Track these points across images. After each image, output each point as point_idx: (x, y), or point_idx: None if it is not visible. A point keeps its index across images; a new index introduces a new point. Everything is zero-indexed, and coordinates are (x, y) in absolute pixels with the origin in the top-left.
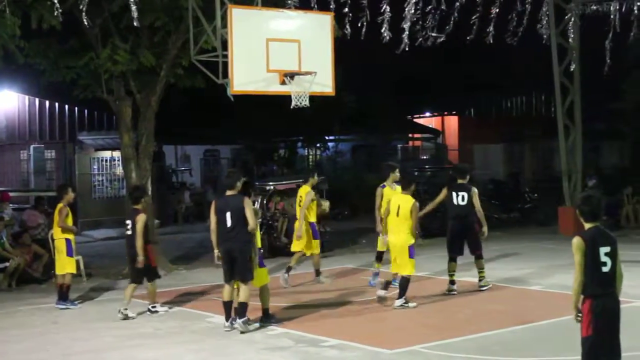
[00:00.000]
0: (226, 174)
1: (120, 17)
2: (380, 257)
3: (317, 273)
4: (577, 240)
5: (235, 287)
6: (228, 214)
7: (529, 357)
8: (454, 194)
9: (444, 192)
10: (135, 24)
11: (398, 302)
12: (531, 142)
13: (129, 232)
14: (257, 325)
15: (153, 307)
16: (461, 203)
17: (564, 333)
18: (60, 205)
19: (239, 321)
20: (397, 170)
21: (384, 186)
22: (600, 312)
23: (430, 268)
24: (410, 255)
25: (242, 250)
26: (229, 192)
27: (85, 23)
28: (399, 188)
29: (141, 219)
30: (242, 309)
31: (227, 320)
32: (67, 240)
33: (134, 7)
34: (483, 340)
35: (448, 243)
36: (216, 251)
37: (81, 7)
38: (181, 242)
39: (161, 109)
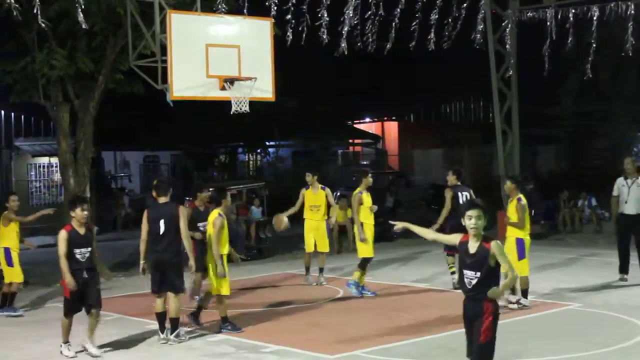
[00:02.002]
0: (155, 182)
1: (57, 22)
2: (365, 265)
3: (320, 271)
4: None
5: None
6: (161, 222)
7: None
8: (459, 194)
9: (449, 195)
10: (83, 26)
11: (513, 298)
12: (470, 147)
13: None
14: (186, 334)
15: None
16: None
17: (502, 336)
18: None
19: (172, 336)
20: (370, 175)
21: (360, 192)
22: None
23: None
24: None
25: (174, 261)
26: (162, 200)
27: (23, 24)
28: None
29: (60, 236)
30: (174, 325)
31: (162, 332)
32: (6, 250)
33: (79, 10)
34: (424, 345)
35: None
36: (142, 262)
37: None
38: (120, 249)
39: (100, 115)
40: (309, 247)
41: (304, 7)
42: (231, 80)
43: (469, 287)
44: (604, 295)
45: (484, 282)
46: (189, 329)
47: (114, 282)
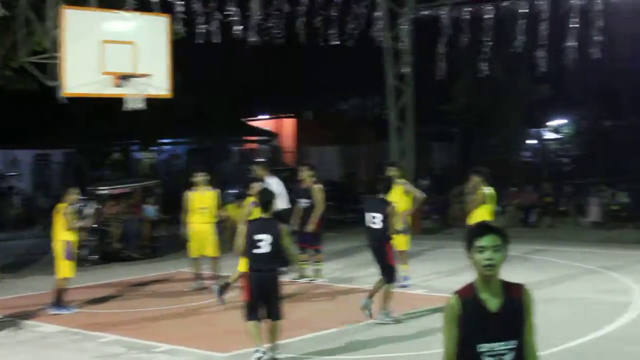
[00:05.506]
0: None
1: None
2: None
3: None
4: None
5: None
6: None
7: (364, 355)
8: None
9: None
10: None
11: None
12: (366, 144)
13: None
14: None
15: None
16: None
17: (396, 329)
18: None
19: None
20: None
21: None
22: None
23: None
24: None
25: None
26: None
27: None
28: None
29: None
30: None
31: None
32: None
33: None
34: (318, 340)
35: None
36: None
37: None
38: (10, 249)
39: None
40: (192, 252)
41: (204, 4)
42: (126, 77)
43: None
44: None
45: (522, 356)
46: None
47: (3, 283)
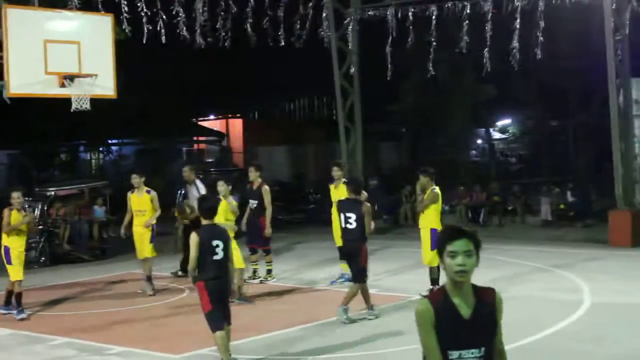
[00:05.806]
0: None
1: None
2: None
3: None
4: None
5: None
6: None
7: (316, 355)
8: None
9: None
10: None
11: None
12: (314, 144)
13: None
14: None
15: None
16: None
17: (348, 329)
18: None
19: None
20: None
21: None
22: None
23: None
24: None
25: None
26: None
27: None
28: None
29: None
30: None
31: None
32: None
33: None
34: (271, 340)
35: None
36: None
37: None
38: None
39: None
40: (138, 253)
41: (151, 4)
42: (71, 77)
43: None
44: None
45: None
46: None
47: None
